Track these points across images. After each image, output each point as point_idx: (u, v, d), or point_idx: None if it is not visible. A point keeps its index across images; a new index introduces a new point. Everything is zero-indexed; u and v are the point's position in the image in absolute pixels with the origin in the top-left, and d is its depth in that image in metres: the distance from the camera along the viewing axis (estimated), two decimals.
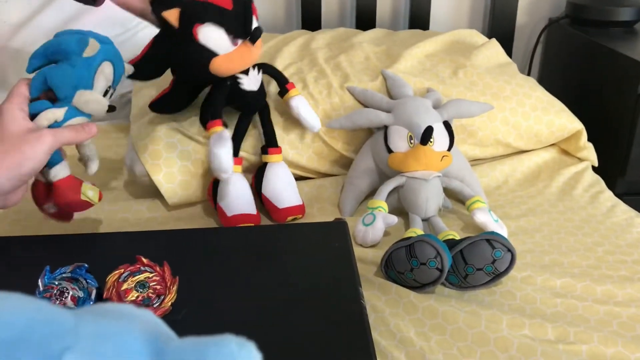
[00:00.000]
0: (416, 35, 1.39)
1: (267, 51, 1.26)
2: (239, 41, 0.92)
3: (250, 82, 0.99)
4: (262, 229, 0.90)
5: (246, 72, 0.98)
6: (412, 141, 1.01)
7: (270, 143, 1.05)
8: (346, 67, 1.19)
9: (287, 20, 1.62)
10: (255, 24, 0.94)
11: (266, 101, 1.06)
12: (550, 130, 1.19)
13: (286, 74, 1.16)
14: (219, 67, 0.92)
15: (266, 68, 1.04)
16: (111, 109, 0.81)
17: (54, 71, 0.78)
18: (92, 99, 0.78)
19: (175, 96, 1.03)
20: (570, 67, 1.59)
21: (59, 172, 0.79)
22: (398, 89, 1.12)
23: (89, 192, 0.81)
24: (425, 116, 1.02)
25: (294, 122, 1.09)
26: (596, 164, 1.23)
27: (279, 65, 1.18)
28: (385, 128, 1.05)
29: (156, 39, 0.93)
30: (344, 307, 0.69)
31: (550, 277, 0.87)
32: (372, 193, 1.06)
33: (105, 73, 0.79)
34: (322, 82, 1.15)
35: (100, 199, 0.83)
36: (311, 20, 1.56)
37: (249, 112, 1.04)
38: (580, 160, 1.22)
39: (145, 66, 0.93)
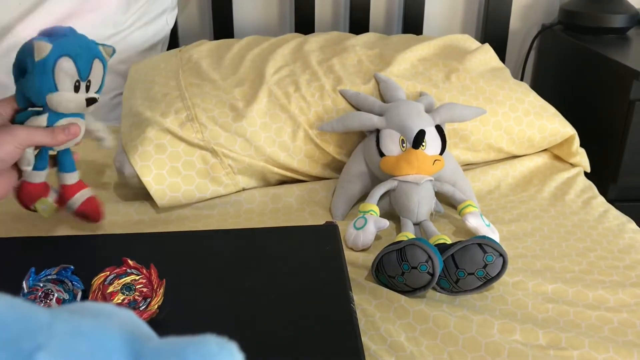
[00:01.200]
0: (409, 39, 1.39)
1: (260, 54, 1.25)
2: None
3: None
4: (252, 231, 0.89)
5: None
6: (404, 145, 1.01)
7: None
8: (339, 70, 1.18)
9: (281, 23, 1.62)
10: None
11: None
12: (543, 135, 1.18)
13: (278, 76, 1.15)
14: None
15: None
16: (90, 101, 0.79)
17: (23, 83, 0.77)
18: (62, 100, 0.77)
19: None
20: (563, 73, 1.59)
21: (30, 176, 0.81)
22: (391, 93, 1.12)
23: (41, 205, 0.84)
24: (418, 120, 1.02)
25: (285, 125, 1.08)
26: (588, 170, 1.23)
27: (271, 67, 1.17)
28: (377, 131, 1.04)
29: None
30: (333, 310, 0.68)
31: (542, 282, 0.86)
32: (364, 197, 1.05)
33: (64, 69, 0.75)
34: (314, 84, 1.14)
35: (54, 212, 0.85)
36: (305, 23, 1.56)
37: None
38: (573, 165, 1.22)
39: None
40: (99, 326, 0.31)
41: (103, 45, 0.82)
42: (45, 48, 0.74)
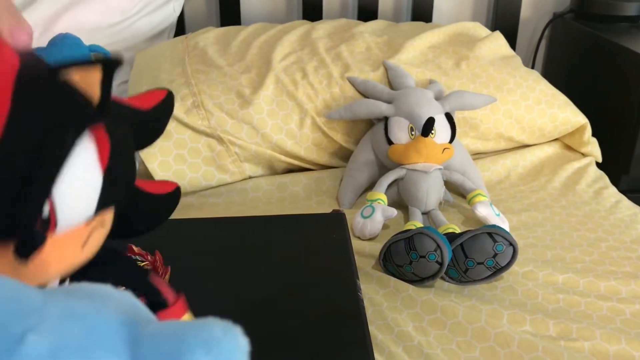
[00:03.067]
0: (419, 27, 1.37)
1: (267, 40, 1.24)
2: None
3: None
4: (257, 219, 0.88)
5: None
6: (413, 133, 0.99)
7: None
8: (347, 57, 1.17)
9: (288, 10, 1.60)
10: None
11: None
12: (554, 124, 1.17)
13: (286, 63, 1.14)
14: None
15: None
16: None
17: None
18: None
19: None
20: (575, 62, 1.57)
21: None
22: (399, 80, 1.10)
23: None
24: (427, 107, 1.00)
25: (292, 112, 1.07)
26: (600, 160, 1.21)
27: (279, 54, 1.16)
28: (385, 119, 1.03)
29: None
30: (341, 299, 0.67)
31: (553, 272, 0.85)
32: (371, 186, 1.04)
33: None
34: (322, 71, 1.13)
35: None
36: (312, 11, 1.54)
37: None
38: (584, 155, 1.20)
39: None
40: (94, 309, 0.30)
41: (96, 51, 0.79)
42: None
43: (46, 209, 0.38)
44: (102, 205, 0.41)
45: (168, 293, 0.56)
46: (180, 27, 1.55)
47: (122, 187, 0.44)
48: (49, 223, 0.38)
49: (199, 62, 1.15)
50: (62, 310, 0.29)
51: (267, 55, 1.17)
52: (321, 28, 1.30)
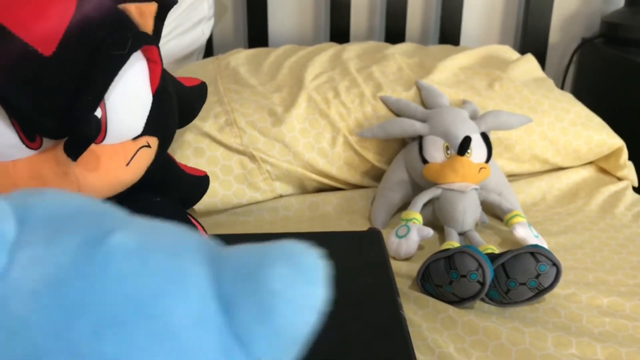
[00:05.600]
0: (448, 49, 1.36)
1: (298, 61, 1.23)
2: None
3: None
4: (293, 236, 0.86)
5: None
6: (448, 152, 0.98)
7: None
8: (379, 77, 1.16)
9: (315, 33, 1.61)
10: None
11: None
12: (590, 146, 1.15)
13: (317, 82, 1.13)
14: None
15: None
16: None
17: None
18: None
19: None
20: (605, 86, 1.55)
21: None
22: (433, 99, 1.09)
23: None
24: (463, 126, 0.99)
25: (325, 131, 1.06)
26: (636, 184, 1.18)
27: (310, 74, 1.15)
28: (420, 138, 1.01)
29: None
30: (382, 317, 0.65)
31: (596, 295, 0.82)
32: (404, 206, 1.02)
33: None
34: (354, 91, 1.12)
35: None
36: (340, 34, 1.54)
37: None
38: (619, 179, 1.18)
39: None
40: (179, 228, 0.31)
41: None
42: None
43: (99, 112, 0.41)
44: (149, 127, 0.43)
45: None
46: (209, 50, 1.56)
47: (167, 120, 0.47)
48: (99, 130, 0.40)
49: (231, 82, 1.15)
50: (149, 223, 0.30)
51: (298, 75, 1.16)
52: (351, 49, 1.30)
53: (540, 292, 0.78)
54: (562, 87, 1.66)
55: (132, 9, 0.43)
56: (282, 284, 0.28)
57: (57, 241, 0.27)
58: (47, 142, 0.40)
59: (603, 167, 1.20)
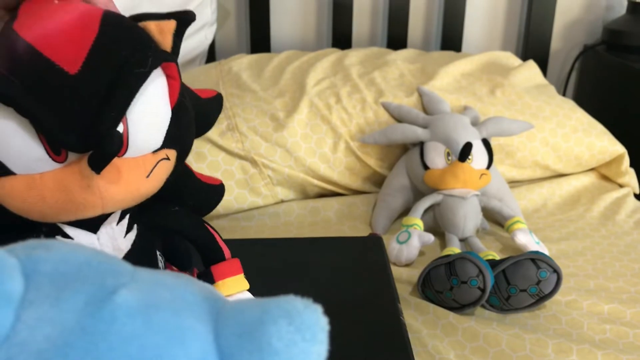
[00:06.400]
0: (450, 56, 1.36)
1: (300, 66, 1.24)
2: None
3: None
4: (294, 241, 0.86)
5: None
6: (449, 157, 0.98)
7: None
8: (380, 82, 1.16)
9: (318, 39, 1.61)
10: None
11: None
12: (591, 153, 1.14)
13: (319, 88, 1.14)
14: None
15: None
16: None
17: None
18: None
19: None
20: (607, 93, 1.55)
21: None
22: (434, 105, 1.09)
23: None
24: (464, 132, 0.99)
25: (326, 136, 1.06)
26: (638, 191, 1.18)
27: (312, 79, 1.16)
28: (421, 144, 1.01)
29: None
30: (383, 323, 0.65)
31: (597, 302, 0.82)
32: (405, 212, 1.02)
33: None
34: (356, 96, 1.12)
35: None
36: (341, 39, 1.54)
37: None
38: (621, 186, 1.18)
39: None
40: (181, 281, 0.32)
41: None
42: None
43: (121, 127, 0.43)
44: (168, 140, 0.45)
45: (224, 247, 0.57)
46: (211, 55, 1.56)
47: (185, 133, 0.48)
48: (122, 144, 0.42)
49: (233, 86, 1.16)
50: (151, 277, 0.31)
51: (300, 80, 1.16)
52: (353, 55, 1.30)
53: (541, 298, 0.78)
54: (563, 94, 1.66)
55: (152, 26, 0.46)
56: (283, 343, 0.29)
57: (62, 300, 0.28)
58: (72, 155, 0.42)
59: (604, 174, 1.20)
